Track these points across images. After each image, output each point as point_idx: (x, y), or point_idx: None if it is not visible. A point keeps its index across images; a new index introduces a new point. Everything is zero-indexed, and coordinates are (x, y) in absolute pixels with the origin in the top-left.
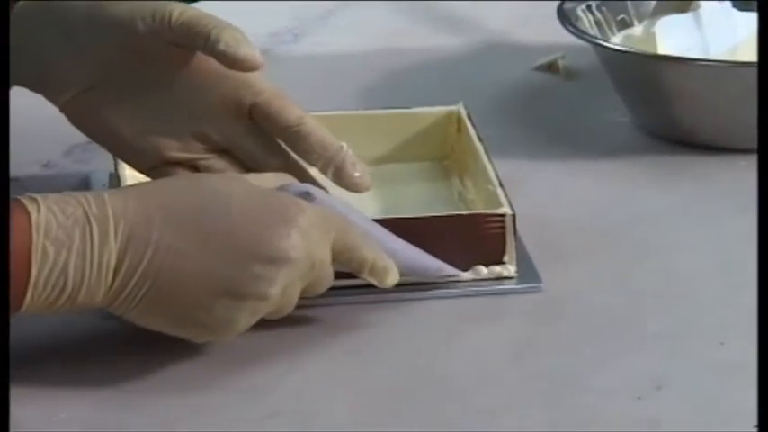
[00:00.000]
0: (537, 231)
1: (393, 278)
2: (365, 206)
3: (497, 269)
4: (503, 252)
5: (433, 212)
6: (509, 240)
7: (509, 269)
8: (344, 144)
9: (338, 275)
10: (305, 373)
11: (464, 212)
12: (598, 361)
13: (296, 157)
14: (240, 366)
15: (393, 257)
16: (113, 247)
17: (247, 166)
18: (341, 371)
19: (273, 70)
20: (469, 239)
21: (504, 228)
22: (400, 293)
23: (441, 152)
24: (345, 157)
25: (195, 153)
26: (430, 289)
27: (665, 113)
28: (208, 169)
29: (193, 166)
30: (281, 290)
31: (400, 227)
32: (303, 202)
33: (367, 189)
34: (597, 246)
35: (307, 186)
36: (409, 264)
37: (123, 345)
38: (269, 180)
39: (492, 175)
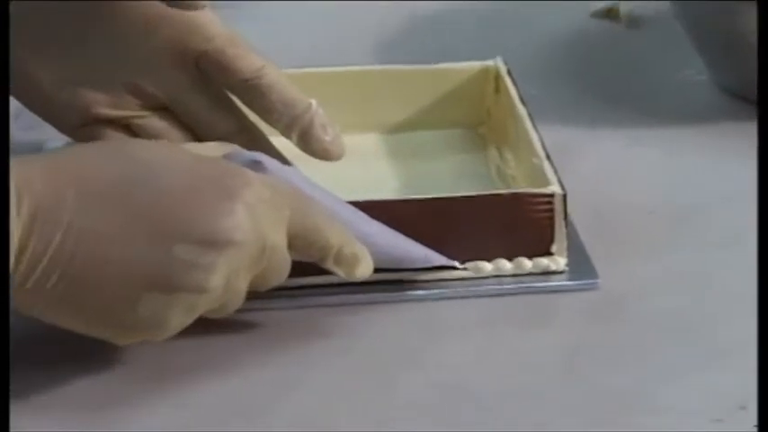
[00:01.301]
0: (593, 215)
1: (365, 269)
2: (379, 184)
3: (544, 262)
4: (550, 241)
5: (465, 191)
6: (558, 226)
7: (558, 262)
8: (314, 101)
9: (307, 270)
10: (257, 390)
11: (503, 191)
12: (667, 375)
13: (255, 118)
14: (171, 379)
15: (367, 243)
16: (14, 228)
17: (191, 128)
18: (317, 387)
19: (262, 17)
20: (509, 225)
21: (552, 211)
22: (410, 290)
23: (474, 117)
24: (314, 117)
25: (128, 110)
26: (452, 286)
27: (751, 70)
28: (143, 130)
29: (126, 126)
30: (223, 281)
31: (423, 210)
32: (251, 173)
33: (339, 157)
34: (668, 234)
35: (257, 154)
36: (388, 251)
37: (23, 346)
38: (212, 151)
39: (537, 145)
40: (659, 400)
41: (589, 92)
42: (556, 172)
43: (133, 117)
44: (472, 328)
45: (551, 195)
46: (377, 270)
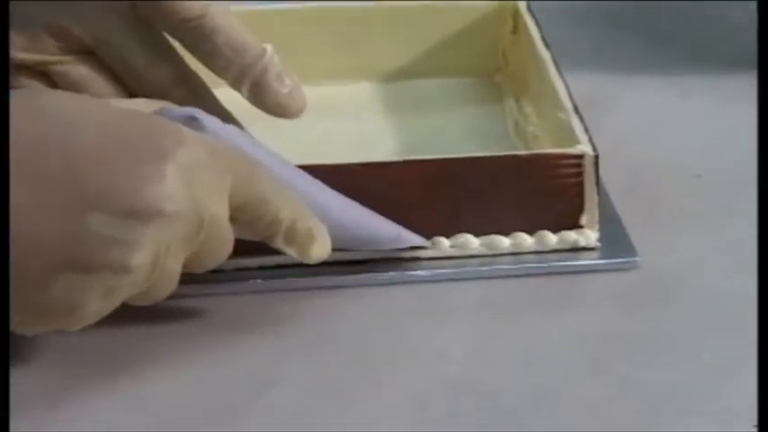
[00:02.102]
0: (630, 181)
1: (321, 249)
2: (373, 143)
3: (572, 236)
4: (579, 211)
5: (476, 152)
6: (589, 194)
7: (589, 236)
8: (269, 47)
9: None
10: (228, 391)
11: (522, 152)
12: (717, 371)
13: (200, 69)
14: (88, 379)
15: (325, 219)
16: None
17: (120, 78)
18: (296, 386)
19: None
20: (530, 193)
21: (581, 175)
22: (407, 270)
23: (488, 63)
24: (269, 65)
25: (47, 54)
26: (461, 265)
27: None
28: (63, 78)
29: (44, 74)
30: (150, 259)
31: (426, 174)
32: (187, 131)
33: (298, 113)
34: (718, 202)
35: (194, 110)
36: (351, 228)
37: None
38: (141, 107)
39: (564, 96)
40: (708, 401)
41: (625, 33)
42: (586, 129)
43: (52, 63)
44: (482, 314)
45: (580, 157)
46: (336, 250)
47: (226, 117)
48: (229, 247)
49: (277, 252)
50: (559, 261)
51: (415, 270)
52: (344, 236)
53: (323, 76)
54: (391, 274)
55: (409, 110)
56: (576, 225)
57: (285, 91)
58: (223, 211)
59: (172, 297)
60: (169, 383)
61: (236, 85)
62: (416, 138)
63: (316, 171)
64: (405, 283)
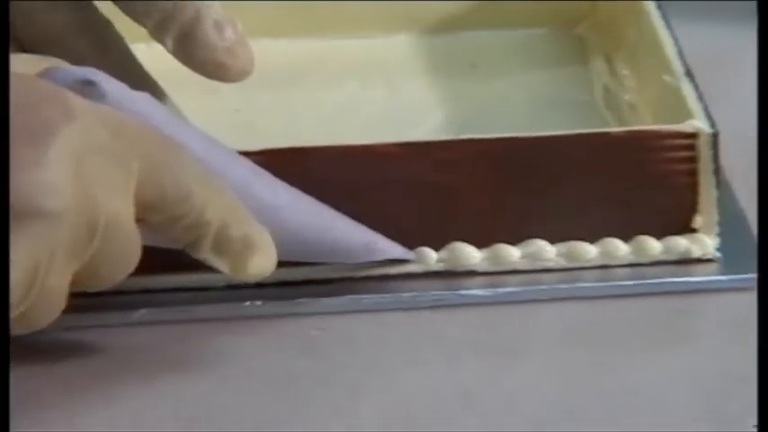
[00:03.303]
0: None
1: (262, 262)
2: (411, 115)
3: (682, 244)
4: (692, 210)
5: (551, 128)
6: (705, 186)
7: (705, 244)
8: None
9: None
10: None
11: (615, 129)
12: None
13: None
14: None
15: (271, 221)
16: None
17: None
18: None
19: None
20: (625, 184)
21: (694, 160)
22: (460, 289)
23: (569, 9)
24: (202, 9)
25: None
26: (528, 283)
27: None
28: None
29: None
30: (26, 273)
31: (481, 157)
32: (80, 101)
33: (240, 75)
34: None
35: (90, 71)
36: (307, 235)
37: None
38: (23, 66)
39: (672, 54)
40: None
41: None
42: (701, 97)
43: None
44: (560, 349)
45: (693, 135)
46: (286, 263)
47: (140, 81)
48: (135, 257)
49: (207, 268)
50: (665, 277)
51: (469, 289)
52: (299, 245)
53: (346, 26)
54: (387, 295)
55: (461, 72)
56: (687, 228)
57: (225, 45)
58: (126, 210)
59: (60, 328)
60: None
61: (158, 34)
62: (471, 109)
63: (334, 153)
64: (423, 307)
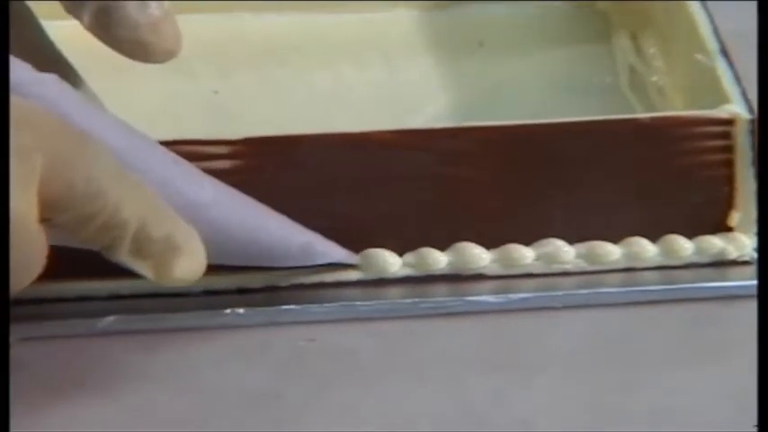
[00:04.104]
0: None
1: (189, 265)
2: (414, 98)
3: (716, 244)
4: (728, 205)
5: (570, 113)
6: (742, 178)
7: (742, 244)
8: None
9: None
10: None
11: (642, 115)
12: None
13: None
14: None
15: (198, 220)
16: None
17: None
18: None
19: None
20: (653, 176)
21: (731, 150)
22: (471, 295)
23: None
24: None
25: None
26: (542, 288)
27: None
28: None
29: None
30: None
31: (492, 147)
32: None
33: (166, 56)
34: None
35: None
36: (239, 235)
37: None
38: None
39: (705, 31)
40: None
41: None
42: (738, 79)
43: None
44: (579, 362)
45: (729, 122)
46: (215, 267)
47: (50, 61)
48: (39, 261)
49: (129, 273)
50: (698, 282)
51: (477, 295)
52: (229, 246)
53: None
54: (385, 302)
55: (469, 51)
56: (722, 227)
57: (147, 22)
58: (27, 209)
59: None
60: None
61: (73, 8)
62: (479, 93)
63: (325, 142)
64: (459, 314)
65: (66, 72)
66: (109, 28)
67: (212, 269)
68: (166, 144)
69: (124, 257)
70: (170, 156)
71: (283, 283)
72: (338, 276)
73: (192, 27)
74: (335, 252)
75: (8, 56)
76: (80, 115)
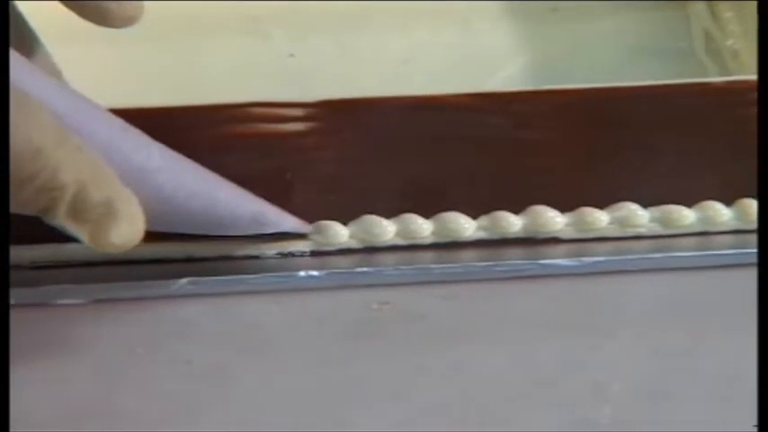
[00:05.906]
0: None
1: (127, 231)
2: (487, 63)
3: None
4: None
5: (647, 76)
6: None
7: None
8: None
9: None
10: None
11: (717, 79)
12: None
13: None
14: None
15: (141, 186)
16: None
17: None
18: None
19: None
20: (728, 141)
21: None
22: (544, 258)
23: None
24: None
25: None
26: (614, 252)
27: None
28: None
29: None
30: None
31: (573, 109)
32: None
33: (125, 21)
34: None
35: None
36: (182, 201)
37: None
38: None
39: None
40: None
41: None
42: None
43: None
44: (653, 328)
45: None
46: (161, 235)
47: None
48: None
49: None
50: None
51: (551, 258)
52: (173, 213)
53: None
54: (457, 266)
55: (541, 15)
56: None
57: None
58: None
59: None
60: None
61: None
62: (554, 56)
63: (399, 105)
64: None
65: (23, 36)
66: None
67: (161, 236)
68: (242, 107)
69: (62, 221)
70: (117, 122)
71: (238, 253)
72: (413, 241)
73: None
74: (288, 221)
75: (8, 56)
76: (22, 77)
